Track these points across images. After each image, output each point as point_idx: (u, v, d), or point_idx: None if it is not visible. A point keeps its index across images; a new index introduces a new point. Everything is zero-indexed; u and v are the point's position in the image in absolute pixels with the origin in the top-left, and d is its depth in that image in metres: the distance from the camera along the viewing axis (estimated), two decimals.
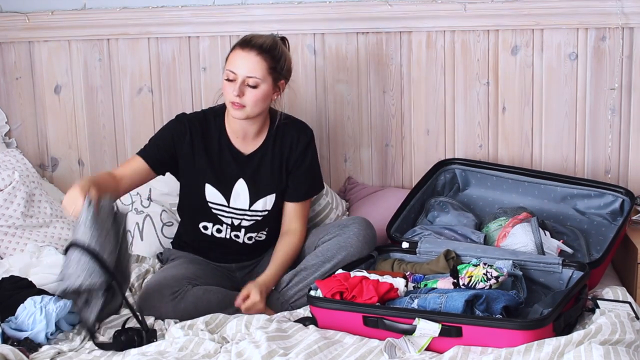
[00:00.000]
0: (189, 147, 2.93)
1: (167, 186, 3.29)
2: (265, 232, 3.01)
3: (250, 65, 2.81)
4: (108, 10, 3.44)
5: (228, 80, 2.83)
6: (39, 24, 3.45)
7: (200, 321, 2.62)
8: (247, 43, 2.84)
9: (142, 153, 2.92)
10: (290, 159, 2.97)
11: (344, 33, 3.40)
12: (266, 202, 2.97)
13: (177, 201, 3.15)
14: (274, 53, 2.85)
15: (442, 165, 3.31)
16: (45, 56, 3.50)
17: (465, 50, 3.36)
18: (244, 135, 2.95)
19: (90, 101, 3.52)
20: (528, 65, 3.35)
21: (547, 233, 2.94)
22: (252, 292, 2.76)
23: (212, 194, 2.95)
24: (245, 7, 3.39)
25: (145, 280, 2.96)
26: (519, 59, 3.35)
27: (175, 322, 2.69)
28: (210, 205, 2.96)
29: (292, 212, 3.00)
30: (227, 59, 2.88)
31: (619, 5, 3.23)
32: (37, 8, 3.45)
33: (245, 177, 2.95)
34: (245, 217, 2.97)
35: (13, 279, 2.76)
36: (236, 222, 2.97)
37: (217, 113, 2.99)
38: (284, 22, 3.38)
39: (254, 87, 2.82)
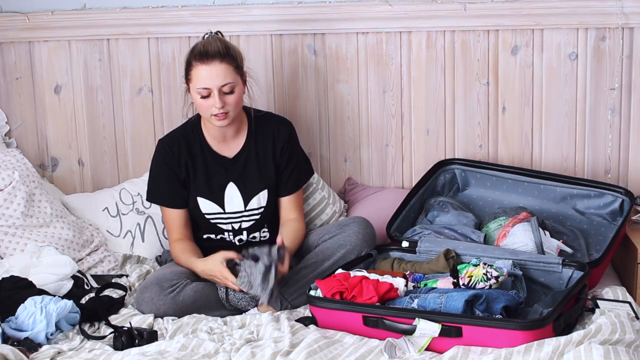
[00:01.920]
0: (181, 166, 3.00)
1: None
2: (267, 230, 3.03)
3: (220, 75, 2.85)
4: (108, 10, 3.44)
5: (203, 97, 2.87)
6: (39, 24, 3.45)
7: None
8: (205, 55, 2.86)
9: (167, 204, 3.02)
10: (276, 153, 3.02)
11: (344, 33, 3.39)
12: (260, 199, 3.00)
13: None
14: (230, 53, 2.90)
15: (442, 165, 3.31)
16: (45, 56, 3.49)
17: (465, 50, 3.36)
18: (223, 138, 3.01)
19: (90, 101, 3.52)
20: (528, 65, 3.34)
21: (547, 233, 2.94)
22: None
23: (205, 206, 3.00)
24: (245, 7, 3.39)
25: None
26: (519, 59, 3.34)
27: (173, 320, 2.69)
28: (207, 217, 3.01)
29: (287, 205, 3.05)
30: (188, 78, 2.91)
31: (619, 5, 3.23)
32: (37, 8, 3.44)
33: (234, 180, 3.00)
34: (243, 218, 2.99)
35: (13, 279, 2.76)
36: (236, 226, 3.00)
37: (194, 125, 3.04)
38: (284, 22, 3.38)
39: (231, 92, 2.87)
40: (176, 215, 3.01)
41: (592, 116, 3.35)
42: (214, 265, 2.80)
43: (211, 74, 2.85)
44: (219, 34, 2.98)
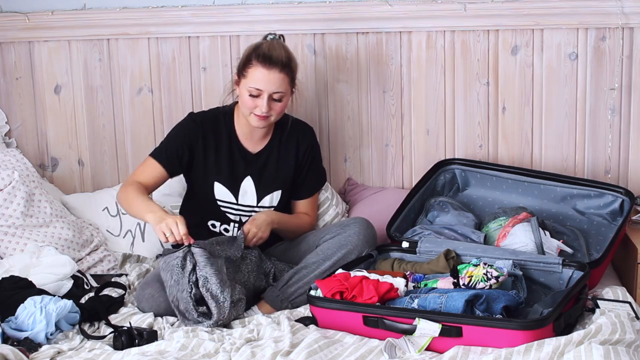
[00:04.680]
0: (202, 146, 3.01)
1: (168, 187, 3.29)
2: None
3: (276, 82, 2.89)
4: (108, 10, 3.44)
5: (252, 96, 2.90)
6: (39, 24, 3.45)
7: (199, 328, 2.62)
8: (268, 60, 2.89)
9: (159, 158, 3.00)
10: (299, 155, 3.07)
11: (344, 33, 3.39)
12: (272, 198, 3.04)
13: (179, 202, 3.18)
14: (291, 65, 2.94)
15: (441, 165, 3.31)
16: (45, 56, 3.50)
17: (465, 50, 3.36)
18: (252, 135, 3.04)
19: (90, 101, 3.52)
20: (528, 65, 3.35)
21: (547, 233, 2.94)
22: (251, 229, 2.84)
23: (220, 192, 3.02)
24: (245, 7, 3.39)
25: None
26: (519, 59, 3.34)
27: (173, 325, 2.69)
28: (219, 203, 3.02)
29: (301, 207, 3.12)
30: (244, 72, 2.92)
31: (619, 5, 3.23)
32: (37, 8, 3.45)
33: (252, 174, 3.03)
34: (253, 214, 3.00)
35: (13, 279, 2.76)
36: (244, 219, 3.01)
37: (227, 113, 3.07)
38: (284, 22, 3.38)
39: (279, 100, 2.92)
40: (154, 170, 2.98)
41: (592, 116, 3.35)
42: (173, 216, 2.76)
43: (268, 79, 2.88)
44: (282, 38, 3.02)
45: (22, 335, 2.51)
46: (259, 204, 3.03)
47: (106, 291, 2.89)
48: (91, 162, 3.56)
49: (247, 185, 3.03)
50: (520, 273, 2.72)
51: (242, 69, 2.94)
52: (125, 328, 2.55)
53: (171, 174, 3.02)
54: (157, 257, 3.22)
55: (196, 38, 3.45)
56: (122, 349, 2.48)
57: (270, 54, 2.91)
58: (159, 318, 2.71)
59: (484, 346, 2.38)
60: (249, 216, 3.02)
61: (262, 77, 2.89)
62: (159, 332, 2.59)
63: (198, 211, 3.06)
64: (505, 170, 3.23)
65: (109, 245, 3.27)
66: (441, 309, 2.47)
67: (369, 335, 2.50)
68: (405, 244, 2.96)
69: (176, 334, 2.54)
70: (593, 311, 2.56)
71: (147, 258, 3.24)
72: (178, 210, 3.22)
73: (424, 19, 3.34)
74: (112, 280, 2.99)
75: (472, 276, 2.61)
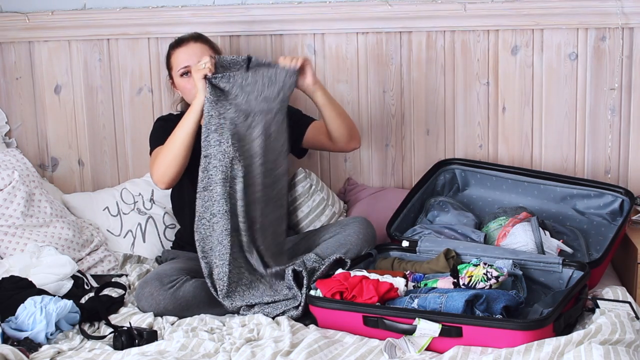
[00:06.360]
0: None
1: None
2: None
3: (196, 52, 3.03)
4: (108, 10, 3.44)
5: (183, 75, 3.01)
6: (39, 24, 3.45)
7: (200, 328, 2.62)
8: (180, 41, 3.09)
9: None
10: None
11: (344, 33, 3.40)
12: None
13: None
14: (204, 38, 3.12)
15: (441, 165, 3.31)
16: (45, 56, 3.50)
17: (465, 50, 3.36)
18: None
19: (90, 101, 3.52)
20: (528, 65, 3.35)
21: (547, 233, 2.94)
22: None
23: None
24: (245, 7, 3.39)
25: None
26: (519, 59, 3.35)
27: (174, 324, 2.69)
28: None
29: (317, 124, 3.12)
30: (170, 68, 3.08)
31: (619, 5, 3.23)
32: (37, 8, 3.45)
33: None
34: None
35: (13, 279, 2.76)
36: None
37: (184, 112, 3.05)
38: (284, 22, 3.38)
39: None
40: None
41: (592, 116, 3.36)
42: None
43: (188, 53, 3.04)
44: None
45: (22, 335, 2.51)
46: None
47: (106, 291, 2.89)
48: (91, 162, 3.56)
49: None
50: (520, 273, 2.73)
51: (168, 66, 3.10)
52: (125, 328, 2.56)
53: None
54: (156, 258, 3.23)
55: None
56: (122, 349, 2.48)
57: (179, 38, 3.10)
58: (159, 318, 2.71)
59: (484, 346, 2.38)
60: None
61: (182, 55, 3.04)
62: (158, 332, 2.59)
63: (186, 198, 3.04)
64: (505, 170, 3.24)
65: (109, 245, 3.27)
66: (441, 309, 2.47)
67: (369, 335, 2.50)
68: (405, 243, 2.96)
69: (176, 333, 2.54)
70: (593, 311, 2.56)
71: (147, 259, 3.24)
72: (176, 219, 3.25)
73: (424, 19, 3.34)
74: (112, 280, 2.99)
75: (472, 276, 2.61)
